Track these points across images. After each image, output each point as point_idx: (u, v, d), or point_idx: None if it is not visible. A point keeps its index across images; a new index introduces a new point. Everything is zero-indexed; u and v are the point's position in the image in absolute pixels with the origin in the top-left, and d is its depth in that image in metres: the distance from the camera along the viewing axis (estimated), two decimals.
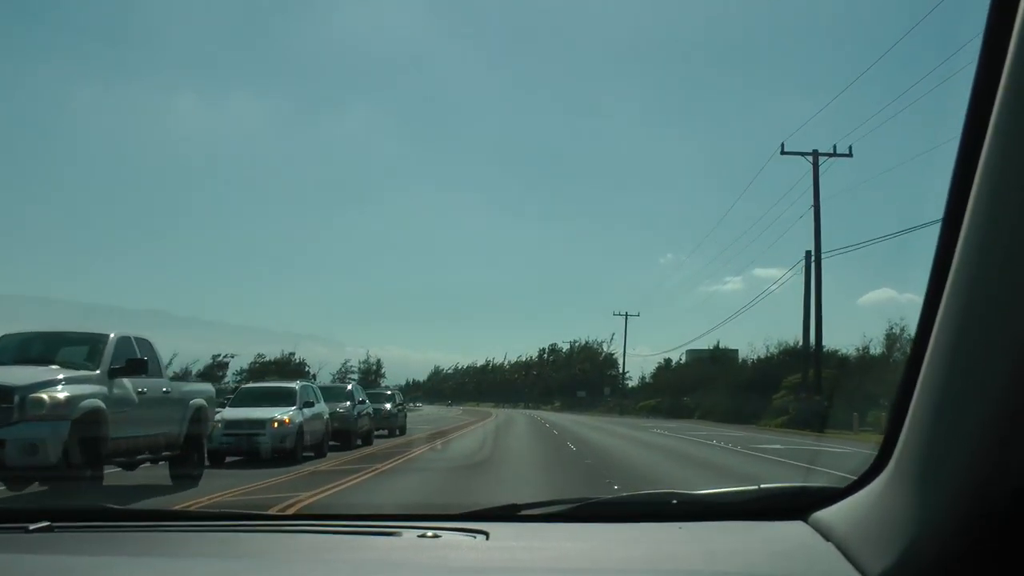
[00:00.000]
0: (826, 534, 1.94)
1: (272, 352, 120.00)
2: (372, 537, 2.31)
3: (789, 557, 1.92)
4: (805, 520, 2.12)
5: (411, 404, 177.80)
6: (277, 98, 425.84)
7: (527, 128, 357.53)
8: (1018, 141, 1.19)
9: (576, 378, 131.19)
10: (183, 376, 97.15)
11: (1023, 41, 1.18)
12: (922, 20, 62.20)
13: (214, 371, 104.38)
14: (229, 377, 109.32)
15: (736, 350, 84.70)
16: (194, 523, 2.57)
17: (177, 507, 4.75)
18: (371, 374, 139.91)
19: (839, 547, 1.81)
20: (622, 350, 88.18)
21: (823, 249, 43.17)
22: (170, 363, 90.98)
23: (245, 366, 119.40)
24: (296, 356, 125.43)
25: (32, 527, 2.27)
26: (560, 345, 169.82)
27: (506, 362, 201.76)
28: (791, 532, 2.08)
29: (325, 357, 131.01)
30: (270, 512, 3.09)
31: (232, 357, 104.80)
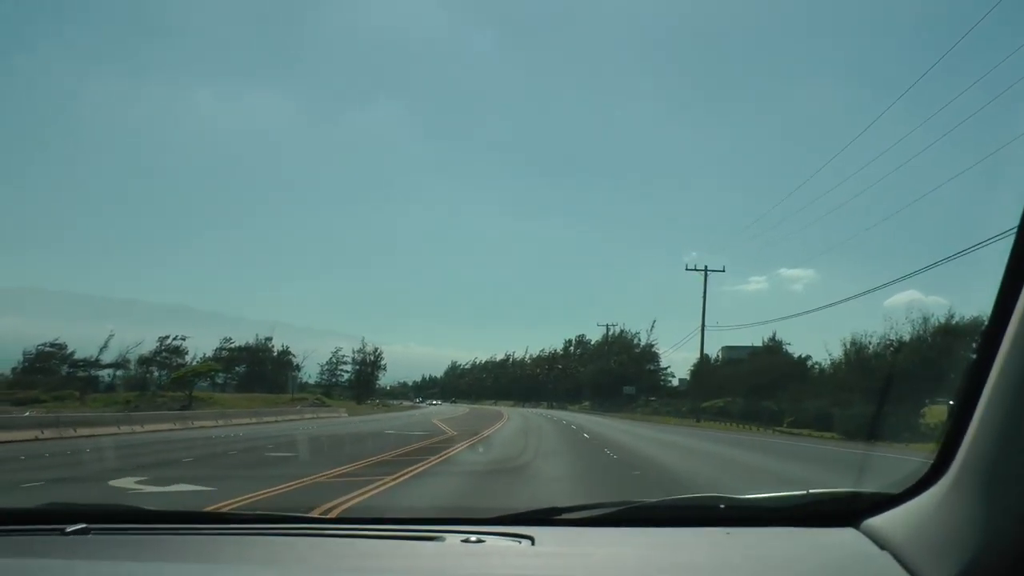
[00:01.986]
0: (881, 542, 1.91)
1: (244, 338, 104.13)
2: (416, 542, 2.26)
3: (842, 565, 1.90)
4: (857, 527, 2.08)
5: (418, 401, 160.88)
6: (296, 95, 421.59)
7: (549, 126, 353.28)
8: None
9: (610, 373, 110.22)
10: (122, 363, 78.87)
11: None
12: None
13: (161, 355, 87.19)
14: (189, 361, 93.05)
15: (781, 344, 78.92)
16: (232, 526, 2.51)
17: (213, 509, 4.20)
18: (368, 366, 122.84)
19: (895, 556, 1.79)
20: (701, 319, 70.48)
21: None
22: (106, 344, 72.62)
23: (206, 351, 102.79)
24: (273, 343, 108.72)
25: (68, 529, 2.27)
26: (588, 337, 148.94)
27: (527, 356, 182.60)
28: (843, 539, 2.05)
29: (311, 346, 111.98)
30: (311, 515, 2.88)
31: (184, 339, 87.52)
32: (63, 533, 2.26)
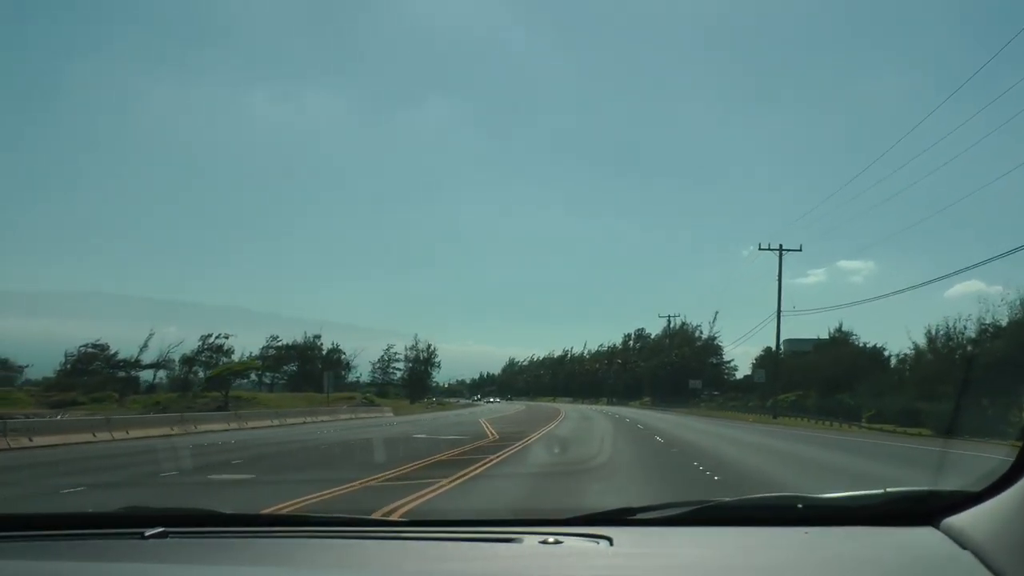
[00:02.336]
0: (962, 541, 1.88)
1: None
2: (492, 544, 2.26)
3: (923, 564, 1.88)
4: (936, 526, 2.06)
5: (475, 399, 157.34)
6: (351, 94, 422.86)
7: (603, 121, 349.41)
8: None
9: (671, 366, 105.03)
10: (163, 363, 75.99)
11: None
12: None
13: (204, 355, 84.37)
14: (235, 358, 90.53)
15: (848, 335, 73.61)
16: (308, 529, 2.52)
17: (288, 511, 4.24)
18: (421, 363, 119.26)
19: (977, 555, 1.77)
20: (777, 304, 64.92)
21: None
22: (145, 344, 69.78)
23: (256, 351, 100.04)
24: (322, 341, 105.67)
25: (148, 533, 2.30)
26: (647, 331, 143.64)
27: (586, 352, 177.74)
28: (923, 538, 2.03)
29: (359, 343, 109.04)
30: (385, 518, 3.15)
31: (227, 337, 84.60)
32: (142, 537, 2.27)
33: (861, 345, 71.31)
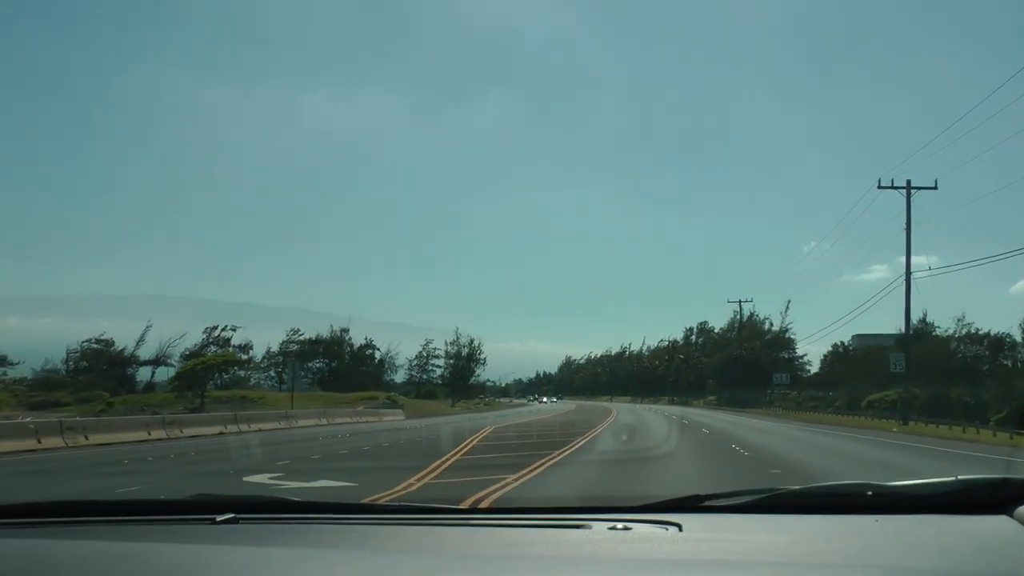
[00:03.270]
0: None
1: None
2: (563, 530, 2.24)
3: (996, 553, 1.84)
4: (1010, 514, 2.02)
5: (530, 399, 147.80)
6: (407, 93, 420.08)
7: (660, 116, 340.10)
8: None
9: (740, 361, 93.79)
10: (162, 359, 67.47)
11: None
12: None
13: (208, 349, 75.93)
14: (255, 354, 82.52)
15: (933, 325, 65.50)
16: (378, 516, 2.55)
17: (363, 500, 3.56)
18: (461, 359, 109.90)
19: None
20: (905, 263, 48.15)
21: None
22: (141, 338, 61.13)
23: (276, 346, 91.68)
24: (350, 336, 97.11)
25: (219, 519, 2.33)
26: (711, 324, 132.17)
27: (644, 348, 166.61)
28: (995, 527, 1.99)
29: (396, 338, 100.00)
30: (454, 506, 2.92)
31: (235, 329, 76.23)
32: (214, 522, 2.31)
33: (976, 332, 60.20)
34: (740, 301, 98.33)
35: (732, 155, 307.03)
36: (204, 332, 73.94)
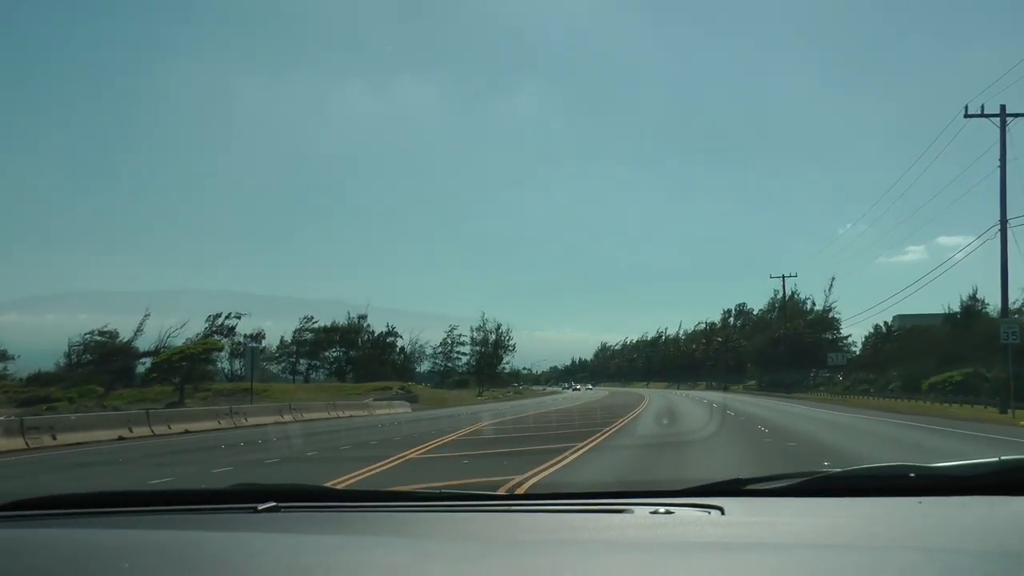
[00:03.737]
0: None
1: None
2: (605, 515, 2.25)
3: None
4: None
5: (564, 386, 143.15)
6: (440, 83, 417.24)
7: (696, 101, 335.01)
8: None
9: (786, 343, 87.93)
10: (160, 350, 63.60)
11: None
12: None
13: (211, 340, 71.72)
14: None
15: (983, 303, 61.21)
16: (417, 503, 2.55)
17: (402, 488, 3.10)
18: (489, 344, 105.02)
19: None
20: (1000, 211, 37.98)
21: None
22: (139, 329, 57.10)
23: (288, 336, 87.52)
24: (369, 323, 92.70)
25: (260, 507, 2.36)
26: (749, 306, 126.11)
27: (681, 332, 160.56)
28: None
29: (427, 326, 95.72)
30: (495, 492, 3.09)
31: (239, 317, 71.94)
32: (255, 511, 2.35)
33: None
34: (783, 276, 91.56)
35: (767, 137, 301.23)
36: (207, 320, 69.84)
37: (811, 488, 2.33)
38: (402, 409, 48.16)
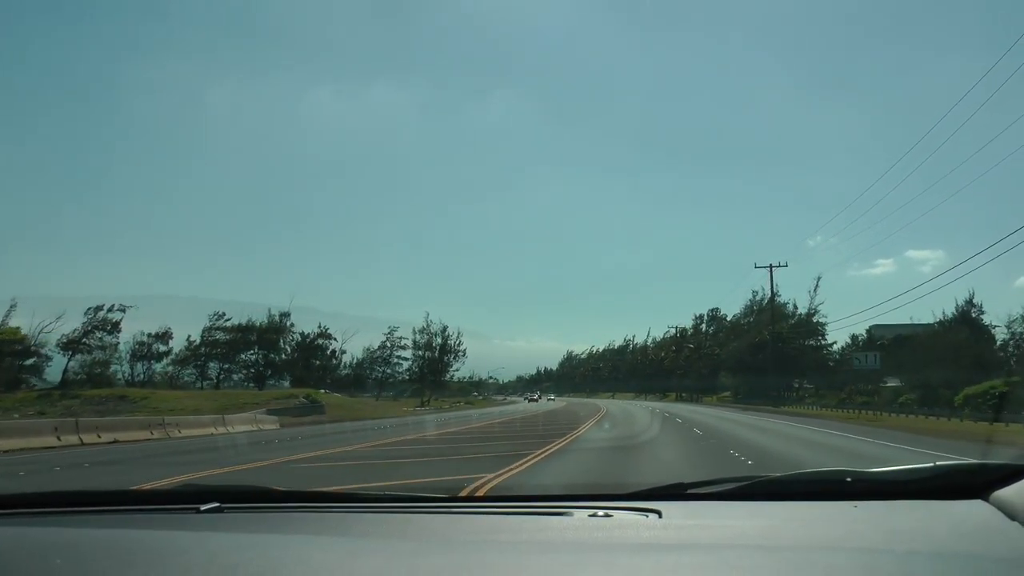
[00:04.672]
0: (1010, 512, 1.91)
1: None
2: (544, 517, 2.28)
3: (972, 536, 1.88)
4: (985, 499, 2.07)
5: (527, 396, 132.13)
6: (418, 88, 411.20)
7: (670, 110, 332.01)
8: None
9: (763, 349, 77.93)
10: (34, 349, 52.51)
11: None
12: None
13: (93, 336, 60.53)
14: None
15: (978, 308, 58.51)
16: (362, 504, 2.56)
17: (345, 489, 3.26)
18: (433, 349, 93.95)
19: None
20: None
21: None
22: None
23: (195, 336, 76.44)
24: (291, 322, 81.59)
25: (203, 508, 2.38)
26: (723, 312, 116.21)
27: (650, 340, 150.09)
28: (972, 511, 2.03)
29: (353, 326, 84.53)
30: (439, 495, 2.83)
31: (123, 311, 60.74)
32: (198, 511, 2.36)
33: None
34: (771, 266, 77.77)
35: (742, 146, 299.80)
36: (86, 314, 58.56)
37: (751, 492, 2.35)
38: (271, 425, 37.31)
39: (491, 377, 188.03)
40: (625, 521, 2.17)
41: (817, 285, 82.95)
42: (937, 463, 2.30)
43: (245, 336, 72.88)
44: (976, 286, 66.72)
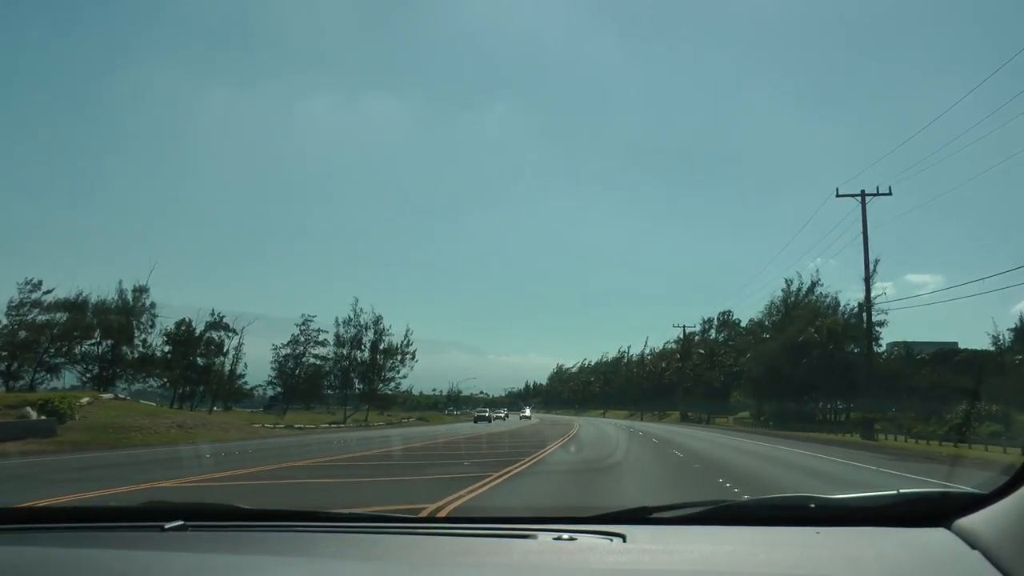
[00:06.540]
0: (971, 541, 1.91)
1: None
2: (508, 539, 2.28)
3: (933, 564, 1.89)
4: (948, 527, 2.08)
5: (477, 412, 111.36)
6: (411, 100, 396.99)
7: (663, 126, 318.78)
8: None
9: (807, 352, 56.75)
10: None
11: None
12: None
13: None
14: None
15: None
16: (329, 524, 2.53)
17: (312, 509, 2.81)
18: (362, 346, 71.33)
19: (986, 555, 1.80)
20: None
21: None
22: None
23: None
24: (149, 300, 60.73)
25: (167, 526, 2.34)
26: (735, 316, 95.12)
27: (647, 351, 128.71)
28: (934, 539, 2.05)
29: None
30: (405, 515, 2.84)
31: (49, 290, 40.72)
32: (162, 529, 2.32)
33: None
34: (863, 193, 58.46)
35: (734, 162, 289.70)
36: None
37: (715, 516, 2.35)
38: None
39: (482, 392, 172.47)
40: (589, 545, 2.14)
41: (875, 269, 60.70)
42: (900, 490, 2.25)
43: (78, 319, 51.57)
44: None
